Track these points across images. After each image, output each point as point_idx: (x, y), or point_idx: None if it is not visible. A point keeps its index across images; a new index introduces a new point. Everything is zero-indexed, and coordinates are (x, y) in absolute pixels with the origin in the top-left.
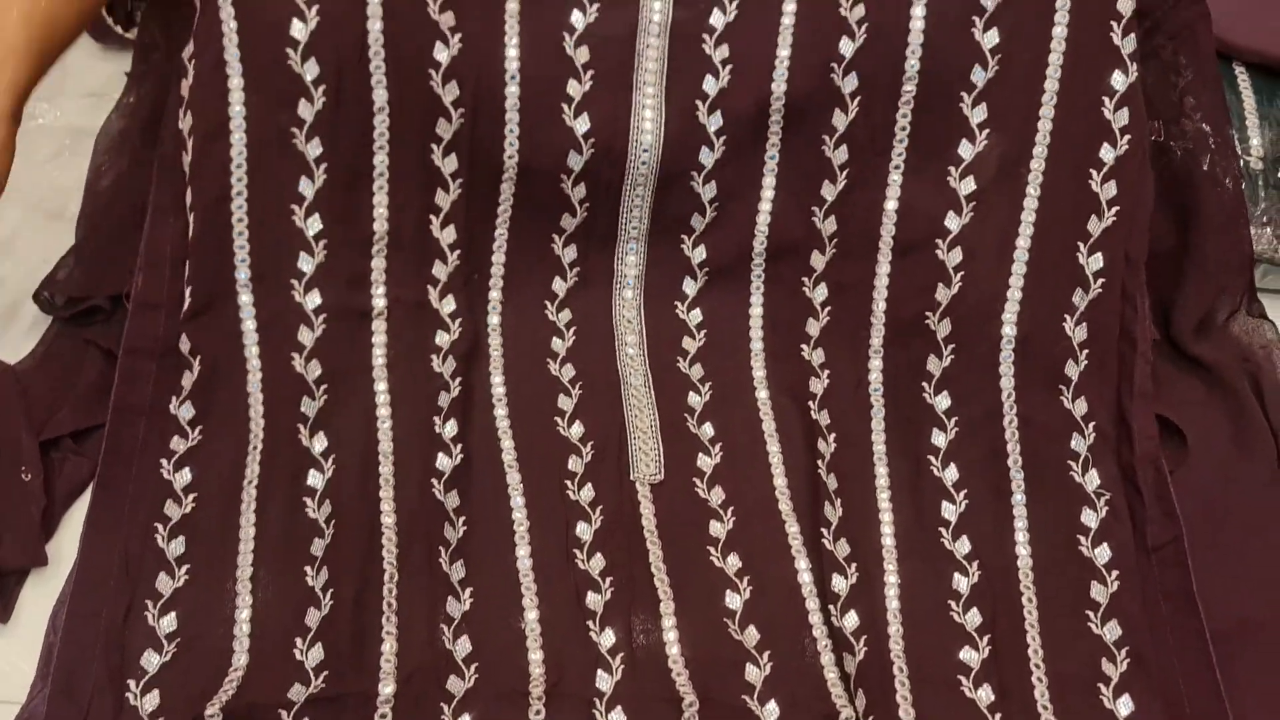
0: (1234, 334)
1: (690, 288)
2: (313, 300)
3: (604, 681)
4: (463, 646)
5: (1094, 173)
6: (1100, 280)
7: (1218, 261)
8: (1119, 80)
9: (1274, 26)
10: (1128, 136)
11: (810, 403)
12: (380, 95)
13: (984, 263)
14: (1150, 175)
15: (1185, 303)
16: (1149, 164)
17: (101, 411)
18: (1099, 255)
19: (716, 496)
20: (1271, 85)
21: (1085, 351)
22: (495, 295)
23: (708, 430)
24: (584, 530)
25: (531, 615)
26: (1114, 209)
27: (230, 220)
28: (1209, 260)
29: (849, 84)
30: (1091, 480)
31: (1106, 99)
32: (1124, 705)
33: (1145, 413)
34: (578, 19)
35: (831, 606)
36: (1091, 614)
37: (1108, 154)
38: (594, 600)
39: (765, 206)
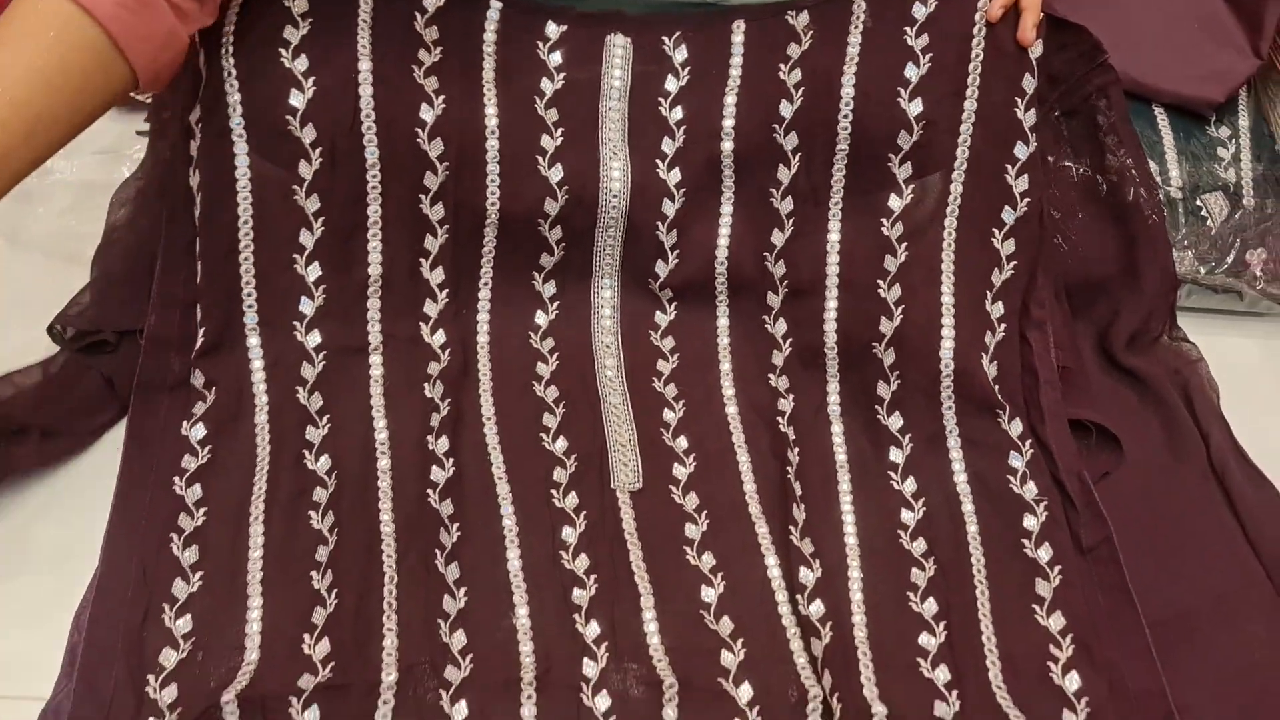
0: (1164, 350)
1: (662, 319)
2: (313, 339)
3: (590, 669)
4: (458, 640)
5: (996, 232)
6: (1003, 325)
7: (1148, 284)
8: (1021, 150)
9: (1188, 73)
10: (1026, 200)
11: (779, 418)
12: (372, 153)
13: (920, 300)
14: (1044, 232)
15: (1119, 321)
16: (1044, 223)
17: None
18: (1000, 304)
19: (691, 502)
20: (1187, 124)
21: (998, 386)
22: (483, 328)
23: (682, 443)
24: (569, 534)
25: (522, 611)
26: (1012, 263)
27: (239, 271)
28: (1140, 283)
29: (790, 142)
30: (1030, 490)
31: (1010, 166)
32: (1071, 681)
33: (1060, 432)
34: (546, 85)
35: (799, 597)
36: (1038, 607)
37: (1008, 215)
38: (579, 596)
39: (722, 254)
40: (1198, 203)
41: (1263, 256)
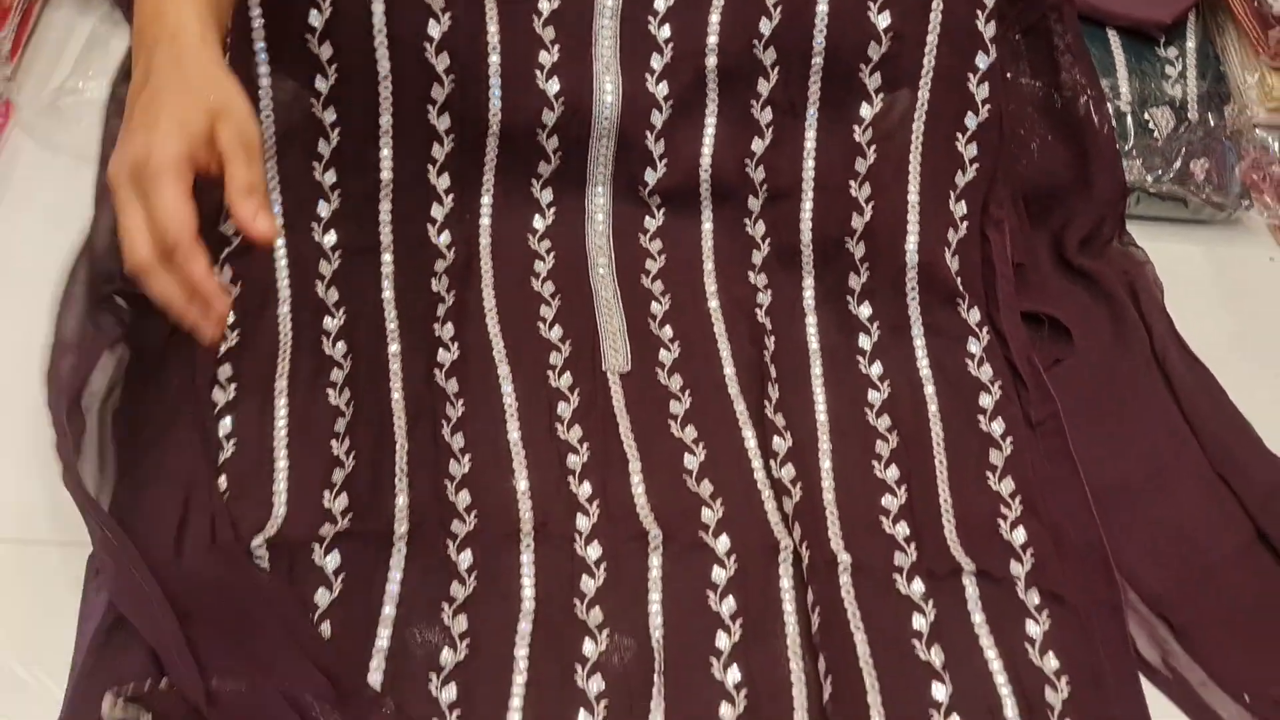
0: (1114, 253)
1: (650, 224)
2: (330, 239)
3: (583, 523)
4: (463, 499)
5: (960, 136)
6: (965, 223)
7: (1099, 191)
8: (982, 60)
9: None
10: (988, 107)
11: (757, 310)
12: (384, 67)
13: (888, 197)
14: (1004, 137)
15: (1072, 226)
16: (1004, 129)
17: None
18: (963, 203)
19: (675, 383)
20: (1138, 45)
21: (960, 279)
22: (485, 230)
23: (667, 332)
24: (564, 409)
25: (520, 475)
26: (974, 166)
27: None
28: (1092, 191)
29: (769, 57)
30: (985, 372)
31: (971, 75)
32: (1019, 535)
33: (1013, 319)
34: (544, 6)
35: (772, 462)
36: (990, 474)
37: (971, 121)
38: (573, 461)
39: (706, 161)
40: (1146, 116)
41: (1205, 166)
